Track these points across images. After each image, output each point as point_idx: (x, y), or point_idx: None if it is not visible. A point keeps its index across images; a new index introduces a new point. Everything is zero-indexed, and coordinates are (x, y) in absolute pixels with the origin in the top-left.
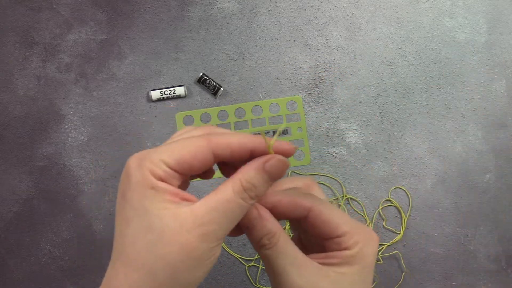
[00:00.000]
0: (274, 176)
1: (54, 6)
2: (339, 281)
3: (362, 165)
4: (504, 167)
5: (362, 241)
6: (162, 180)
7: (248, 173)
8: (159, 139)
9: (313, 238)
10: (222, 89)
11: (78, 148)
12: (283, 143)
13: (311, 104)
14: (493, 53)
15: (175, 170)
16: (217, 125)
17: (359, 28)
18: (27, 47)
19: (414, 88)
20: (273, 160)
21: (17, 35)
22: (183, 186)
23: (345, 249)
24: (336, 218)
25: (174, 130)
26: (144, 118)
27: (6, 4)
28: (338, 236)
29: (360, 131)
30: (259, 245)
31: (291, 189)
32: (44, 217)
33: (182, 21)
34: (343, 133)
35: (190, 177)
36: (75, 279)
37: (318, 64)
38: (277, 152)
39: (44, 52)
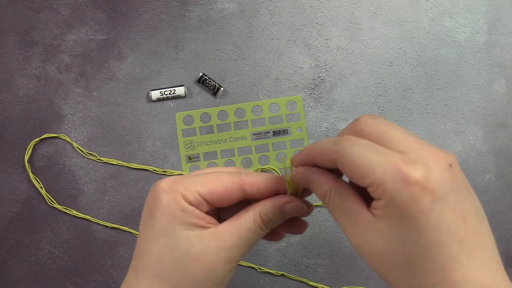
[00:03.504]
0: (289, 215)
1: (54, 6)
2: (389, 236)
3: None
4: (504, 167)
5: (390, 187)
6: (191, 205)
7: (269, 208)
8: (159, 139)
9: None
10: (222, 89)
11: (78, 148)
12: (307, 201)
13: (311, 104)
14: (493, 53)
15: (205, 200)
16: (217, 125)
17: (359, 28)
18: (27, 47)
19: (414, 88)
20: (293, 204)
21: (17, 35)
22: (210, 214)
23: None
24: (361, 160)
25: (174, 130)
26: (144, 118)
27: (6, 4)
28: (368, 186)
29: None
30: (321, 200)
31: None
32: (44, 217)
33: (182, 21)
34: None
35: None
36: (75, 279)
37: (318, 64)
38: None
39: (44, 52)
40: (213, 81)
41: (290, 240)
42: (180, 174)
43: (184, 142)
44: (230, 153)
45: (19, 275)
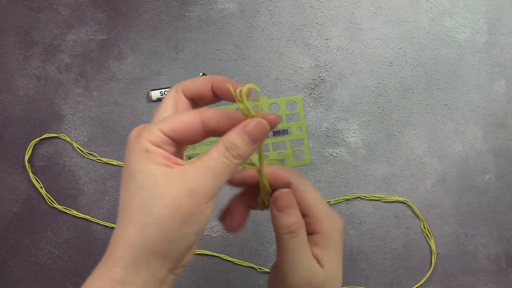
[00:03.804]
0: (254, 137)
1: (54, 6)
2: (330, 264)
3: (362, 165)
4: (504, 167)
5: (328, 225)
6: (157, 145)
7: (229, 135)
8: None
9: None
10: None
11: (78, 148)
12: (268, 114)
13: (311, 104)
14: (493, 53)
15: (169, 137)
16: None
17: (359, 28)
18: (27, 47)
19: (414, 88)
20: (253, 122)
21: (17, 35)
22: (178, 156)
23: (312, 231)
24: (310, 198)
25: None
26: (144, 118)
27: (6, 4)
28: (307, 216)
29: (360, 131)
30: (288, 230)
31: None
32: (44, 217)
33: (182, 21)
34: (343, 133)
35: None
36: (75, 279)
37: (318, 64)
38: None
39: (44, 52)
40: None
41: None
42: None
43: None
44: None
45: (19, 275)
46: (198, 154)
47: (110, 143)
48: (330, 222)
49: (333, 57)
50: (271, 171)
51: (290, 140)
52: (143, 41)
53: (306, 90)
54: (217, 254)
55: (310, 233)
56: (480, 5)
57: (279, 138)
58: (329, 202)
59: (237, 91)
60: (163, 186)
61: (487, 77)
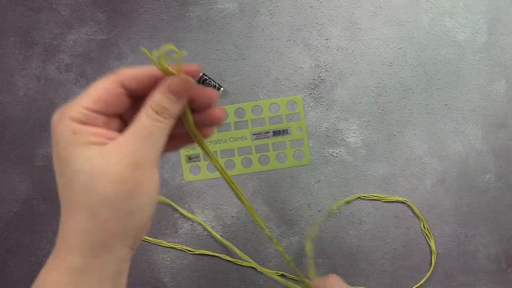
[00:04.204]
0: (179, 94)
1: (54, 6)
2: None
3: (362, 165)
4: (504, 167)
5: None
6: (83, 123)
7: (155, 97)
8: None
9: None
10: (222, 89)
11: None
12: (190, 65)
13: (311, 104)
14: (493, 53)
15: (93, 111)
16: None
17: (359, 28)
18: (27, 47)
19: (414, 88)
20: (175, 80)
21: (17, 35)
22: (112, 126)
23: None
24: None
25: None
26: None
27: (6, 4)
28: None
29: (360, 131)
30: (157, 110)
31: None
32: (44, 217)
33: (182, 21)
34: (343, 133)
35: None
36: None
37: (318, 64)
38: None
39: (44, 52)
40: (213, 81)
41: (290, 240)
42: None
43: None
44: (230, 153)
45: (19, 275)
46: (198, 154)
47: None
48: None
49: (333, 57)
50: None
51: (290, 140)
52: (143, 41)
53: (306, 90)
54: (217, 254)
55: None
56: (480, 5)
57: (279, 138)
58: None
59: (153, 53)
60: (102, 165)
61: (487, 77)
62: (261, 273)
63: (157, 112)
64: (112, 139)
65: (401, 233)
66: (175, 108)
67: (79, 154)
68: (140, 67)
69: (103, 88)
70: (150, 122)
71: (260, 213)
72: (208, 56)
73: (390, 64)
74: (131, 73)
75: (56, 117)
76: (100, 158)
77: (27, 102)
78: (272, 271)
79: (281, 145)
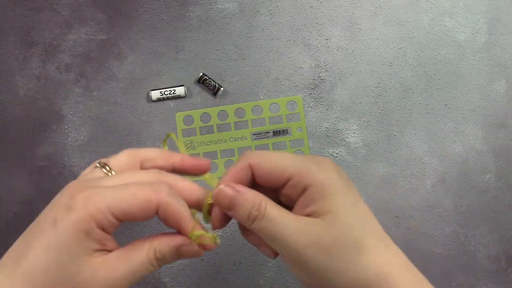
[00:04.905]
0: (183, 256)
1: (54, 6)
2: (333, 214)
3: (362, 165)
4: (504, 167)
5: (307, 178)
6: (101, 228)
7: (165, 247)
8: (159, 139)
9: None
10: (222, 89)
11: (78, 148)
12: (207, 237)
13: (311, 104)
14: (493, 53)
15: (118, 219)
16: (217, 125)
17: (359, 28)
18: (27, 47)
19: (414, 88)
20: (189, 248)
21: (17, 35)
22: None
23: (301, 193)
24: (268, 167)
25: (174, 130)
26: (144, 118)
27: (6, 4)
28: (283, 186)
29: (360, 131)
30: (250, 220)
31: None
32: None
33: (182, 21)
34: (343, 133)
35: None
36: None
37: (318, 64)
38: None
39: (44, 52)
40: (213, 81)
41: None
42: (95, 180)
43: (184, 142)
44: (230, 153)
45: None
46: (199, 154)
47: (110, 143)
48: (315, 169)
49: (333, 57)
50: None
51: (290, 140)
52: (143, 41)
53: (306, 90)
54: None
55: (300, 194)
56: (480, 5)
57: (279, 138)
58: None
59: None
60: (86, 276)
61: (487, 77)
62: (261, 273)
63: (156, 260)
64: (107, 250)
65: (401, 233)
66: (170, 262)
67: (74, 253)
68: (181, 206)
69: (138, 206)
70: (147, 264)
71: None
72: (208, 56)
73: (390, 64)
74: (173, 207)
75: (81, 199)
76: (87, 268)
77: (27, 102)
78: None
79: (281, 145)
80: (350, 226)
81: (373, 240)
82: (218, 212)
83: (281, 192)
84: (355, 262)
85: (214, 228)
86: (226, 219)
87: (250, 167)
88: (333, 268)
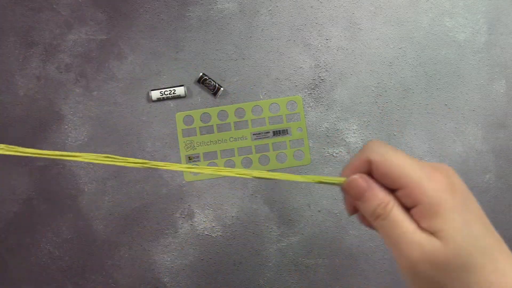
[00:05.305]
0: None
1: (54, 6)
2: (451, 233)
3: None
4: (504, 167)
5: (426, 190)
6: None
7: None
8: (159, 139)
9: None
10: (222, 89)
11: (78, 148)
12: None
13: (311, 104)
14: (493, 53)
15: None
16: (217, 125)
17: (359, 28)
18: (27, 47)
19: (414, 88)
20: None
21: (17, 35)
22: None
23: (414, 203)
24: (395, 169)
25: (174, 130)
26: (144, 118)
27: (6, 4)
28: (400, 188)
29: (360, 131)
30: (374, 216)
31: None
32: (44, 217)
33: (182, 21)
34: (343, 133)
35: None
36: (75, 279)
37: (318, 64)
38: None
39: (44, 52)
40: (213, 81)
41: (290, 240)
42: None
43: (184, 142)
44: (230, 153)
45: (19, 275)
46: (198, 154)
47: (110, 143)
48: (428, 185)
49: (333, 57)
50: (352, 162)
51: (290, 140)
52: (143, 41)
53: (306, 90)
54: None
55: (412, 206)
56: (480, 5)
57: (279, 138)
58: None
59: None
60: None
61: (487, 77)
62: (261, 273)
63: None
64: None
65: None
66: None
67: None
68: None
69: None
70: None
71: (260, 213)
72: (208, 56)
73: (390, 64)
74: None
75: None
76: None
77: (27, 102)
78: (309, 176)
79: (281, 145)
80: (460, 247)
81: (482, 260)
82: (348, 199)
83: (395, 193)
84: (464, 281)
85: (348, 212)
86: (355, 208)
87: (369, 162)
88: (442, 286)
